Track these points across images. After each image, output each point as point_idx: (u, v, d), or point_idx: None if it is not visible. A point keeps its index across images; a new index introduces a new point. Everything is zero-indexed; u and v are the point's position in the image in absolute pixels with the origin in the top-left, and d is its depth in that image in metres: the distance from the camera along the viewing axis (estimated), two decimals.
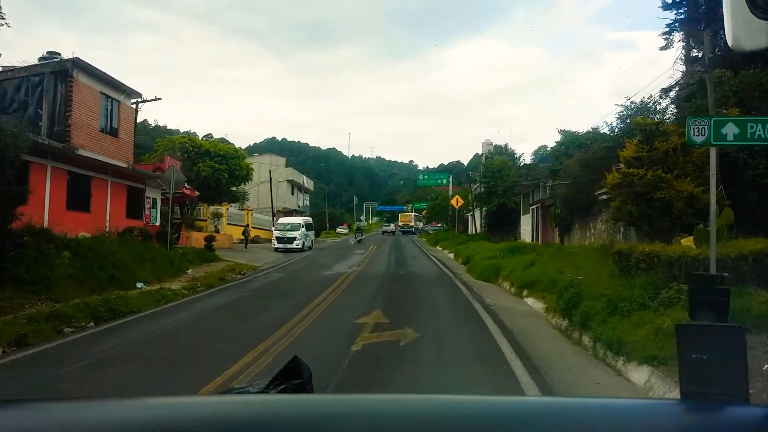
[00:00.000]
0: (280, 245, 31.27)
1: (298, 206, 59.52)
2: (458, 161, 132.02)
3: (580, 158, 27.09)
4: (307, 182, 64.15)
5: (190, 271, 20.33)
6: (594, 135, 29.16)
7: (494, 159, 47.76)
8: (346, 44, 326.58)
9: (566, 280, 11.79)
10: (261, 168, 54.67)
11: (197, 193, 26.59)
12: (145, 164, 24.96)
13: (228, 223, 43.21)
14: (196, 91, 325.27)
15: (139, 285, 16.04)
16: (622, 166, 17.04)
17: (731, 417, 0.98)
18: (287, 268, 23.57)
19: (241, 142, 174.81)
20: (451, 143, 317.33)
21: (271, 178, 51.05)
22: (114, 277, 15.68)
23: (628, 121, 26.28)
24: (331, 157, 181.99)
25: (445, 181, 69.59)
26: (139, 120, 35.82)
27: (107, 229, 19.46)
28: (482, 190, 49.34)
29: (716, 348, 1.01)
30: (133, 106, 21.32)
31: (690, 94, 22.50)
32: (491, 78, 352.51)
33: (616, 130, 26.97)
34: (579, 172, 26.41)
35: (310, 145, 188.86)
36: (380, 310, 11.87)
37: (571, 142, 30.26)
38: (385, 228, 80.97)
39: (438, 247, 42.90)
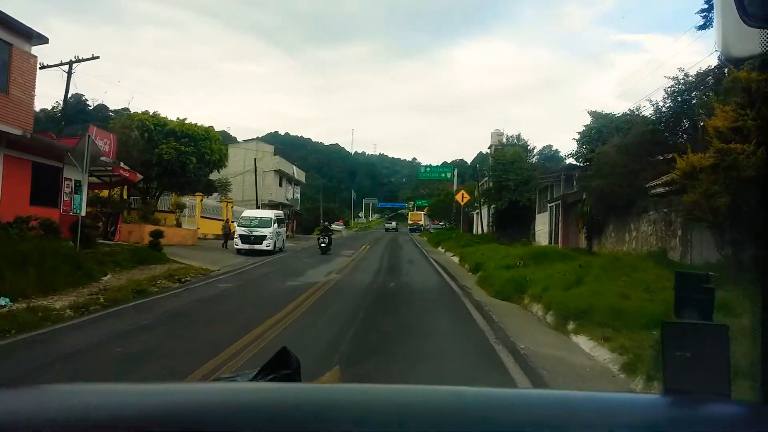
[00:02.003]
0: (245, 245, 25.28)
1: (287, 199, 54.03)
2: (462, 159, 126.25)
3: (619, 144, 21.90)
4: (298, 173, 58.40)
5: (107, 277, 15.15)
6: (633, 117, 23.91)
7: (506, 150, 42.47)
8: (352, 41, 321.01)
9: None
10: (247, 156, 49.53)
11: (140, 176, 21.45)
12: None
13: (202, 217, 38.08)
14: (200, 84, 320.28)
15: (2, 302, 10.91)
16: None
17: (713, 412, 0.99)
18: (245, 275, 18.38)
19: (243, 135, 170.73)
20: (455, 142, 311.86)
21: (256, 167, 45.88)
22: None
23: (679, 99, 21.17)
24: (334, 153, 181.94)
25: (449, 175, 63.75)
26: (139, 109, 30.58)
27: None
28: (491, 184, 44.09)
29: (700, 346, 1.02)
30: (35, 53, 16.05)
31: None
32: (497, 78, 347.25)
33: (664, 109, 21.78)
34: (618, 160, 21.22)
35: (313, 140, 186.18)
36: (339, 369, 6.62)
37: (604, 125, 24.96)
38: (387, 225, 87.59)
39: (440, 249, 37.67)
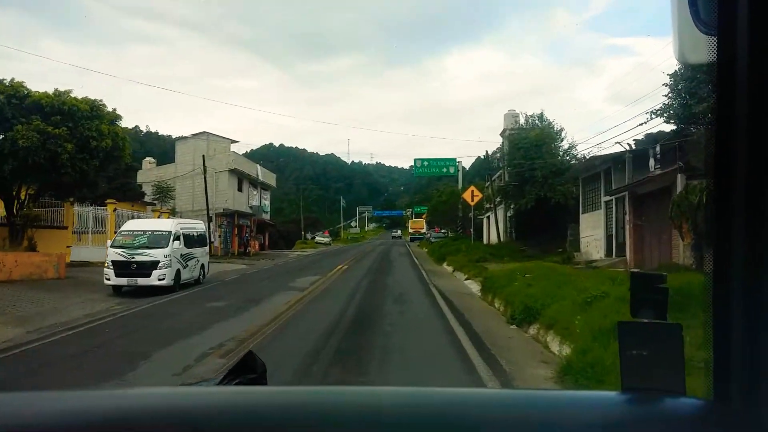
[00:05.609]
0: (122, 280, 15.33)
1: (250, 207, 43.42)
2: (460, 164, 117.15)
3: None
4: (264, 174, 47.08)
5: None
6: None
7: (528, 131, 32.29)
8: (344, 53, 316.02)
9: None
10: (197, 153, 39.39)
11: None
12: None
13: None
14: (194, 100, 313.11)
15: None
16: None
17: (668, 408, 1.00)
18: (14, 365, 8.19)
19: (237, 149, 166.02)
20: (451, 148, 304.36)
21: (205, 166, 35.72)
22: None
23: None
24: (330, 163, 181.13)
25: (452, 170, 52.36)
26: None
27: None
28: (507, 178, 33.94)
29: (655, 344, 1.02)
30: None
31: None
32: (489, 85, 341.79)
33: None
34: None
35: (309, 151, 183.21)
36: None
37: None
38: (393, 234, 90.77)
39: (446, 267, 27.29)
